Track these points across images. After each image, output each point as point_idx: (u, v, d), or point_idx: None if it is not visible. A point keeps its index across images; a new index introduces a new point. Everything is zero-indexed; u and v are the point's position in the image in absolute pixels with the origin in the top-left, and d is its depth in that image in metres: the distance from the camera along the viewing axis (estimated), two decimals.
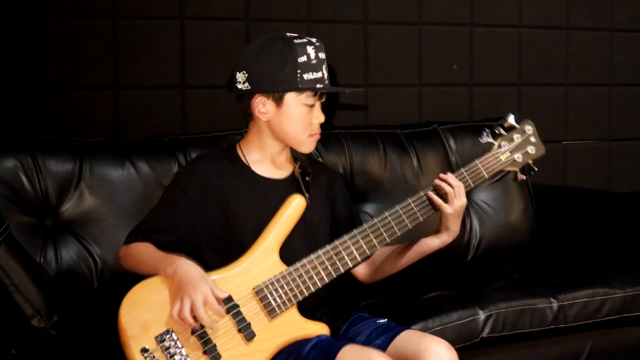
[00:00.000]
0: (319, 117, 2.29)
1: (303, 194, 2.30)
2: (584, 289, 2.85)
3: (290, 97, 2.24)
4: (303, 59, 2.22)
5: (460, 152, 3.37)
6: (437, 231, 2.34)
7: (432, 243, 2.35)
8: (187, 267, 2.13)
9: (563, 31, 3.99)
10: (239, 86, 2.27)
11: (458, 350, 2.24)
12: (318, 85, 2.24)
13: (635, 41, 4.15)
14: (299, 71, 2.22)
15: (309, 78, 2.23)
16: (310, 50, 2.23)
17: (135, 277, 2.21)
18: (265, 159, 2.33)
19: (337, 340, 2.23)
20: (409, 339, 2.23)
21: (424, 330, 2.53)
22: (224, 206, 2.28)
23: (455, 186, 2.28)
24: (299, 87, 2.23)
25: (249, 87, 2.25)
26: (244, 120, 2.38)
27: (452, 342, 2.27)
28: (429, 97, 3.74)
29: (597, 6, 4.05)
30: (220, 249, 2.28)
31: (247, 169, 2.32)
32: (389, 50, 3.66)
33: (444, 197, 2.28)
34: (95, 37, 3.20)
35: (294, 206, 2.27)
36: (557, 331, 2.80)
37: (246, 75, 2.25)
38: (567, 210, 3.45)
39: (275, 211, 2.27)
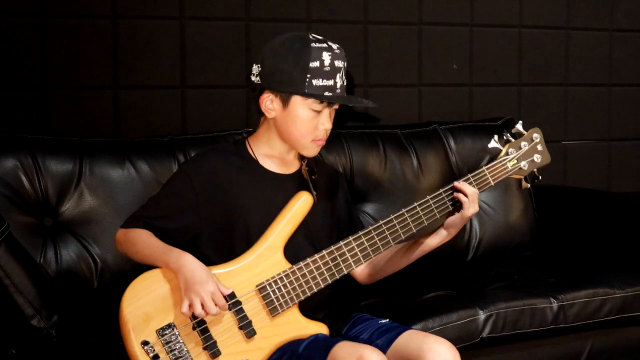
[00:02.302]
0: (325, 123, 2.26)
1: (310, 192, 2.30)
2: (584, 289, 2.85)
3: (296, 100, 2.23)
4: (315, 64, 2.20)
5: (460, 152, 3.38)
6: (438, 228, 2.35)
7: (431, 242, 2.36)
8: (193, 265, 2.13)
9: (563, 31, 3.99)
10: (252, 78, 2.28)
11: (458, 350, 2.24)
12: (326, 93, 2.22)
13: (635, 41, 4.15)
14: (308, 75, 2.20)
15: (318, 84, 2.21)
16: (325, 56, 2.21)
17: (135, 275, 2.21)
18: (273, 155, 2.33)
19: (332, 337, 2.23)
20: (411, 338, 2.23)
21: (424, 330, 2.53)
22: (230, 199, 2.27)
23: (470, 194, 2.29)
24: (305, 91, 2.21)
25: (259, 82, 2.26)
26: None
27: (452, 342, 2.27)
28: (429, 97, 3.74)
29: (597, 6, 4.05)
30: (222, 242, 2.27)
31: (254, 162, 2.32)
32: (389, 50, 3.66)
33: (458, 205, 2.30)
34: (95, 37, 3.20)
35: (301, 203, 2.27)
36: (557, 331, 2.81)
37: (259, 69, 2.25)
38: (567, 210, 3.45)
39: (281, 206, 2.27)
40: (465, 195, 2.29)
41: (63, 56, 3.16)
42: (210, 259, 2.25)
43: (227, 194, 2.27)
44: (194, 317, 2.14)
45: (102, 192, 2.81)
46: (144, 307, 2.14)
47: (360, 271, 2.44)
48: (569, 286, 2.86)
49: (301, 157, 2.37)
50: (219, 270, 2.20)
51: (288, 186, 2.31)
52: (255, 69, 2.27)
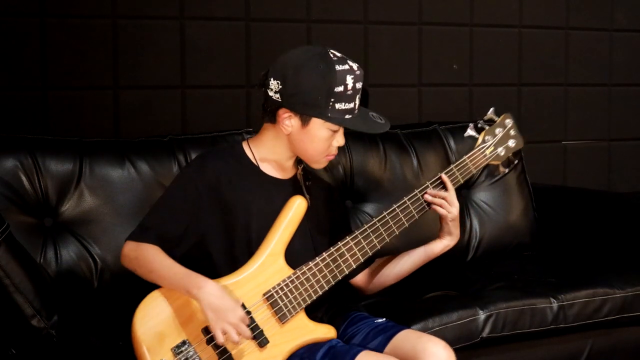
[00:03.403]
0: (339, 141, 2.27)
1: (304, 195, 2.30)
2: (584, 289, 2.85)
3: (317, 121, 2.22)
4: (340, 89, 2.19)
5: (460, 152, 3.37)
6: (438, 237, 2.38)
7: (434, 248, 2.39)
8: (218, 292, 2.10)
9: (563, 31, 4.00)
10: (270, 93, 2.23)
11: (458, 350, 2.25)
12: (347, 116, 2.22)
13: (635, 41, 4.15)
14: (332, 100, 2.19)
15: (340, 108, 2.20)
16: (349, 80, 2.20)
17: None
18: (273, 160, 2.32)
19: (350, 345, 2.23)
20: (407, 338, 2.23)
21: (423, 330, 2.53)
22: (232, 204, 2.26)
23: (448, 196, 2.33)
24: (329, 116, 2.20)
25: (280, 100, 2.22)
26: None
27: (452, 342, 2.27)
28: (429, 97, 3.74)
29: (597, 6, 4.05)
30: (226, 246, 2.26)
31: (255, 167, 2.31)
32: (389, 50, 3.67)
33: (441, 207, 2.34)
34: (95, 37, 3.20)
35: (296, 208, 2.27)
36: (557, 331, 2.80)
37: (280, 86, 2.21)
38: (567, 210, 3.45)
39: (279, 210, 2.27)
40: (445, 199, 2.32)
41: (63, 56, 3.16)
42: (213, 259, 2.26)
43: (229, 197, 2.27)
44: (206, 332, 2.14)
45: (102, 192, 2.81)
46: (157, 326, 2.13)
47: (363, 279, 2.45)
48: (569, 286, 2.86)
49: (298, 163, 2.37)
50: (225, 282, 2.19)
51: (286, 190, 2.31)
52: (275, 85, 2.22)
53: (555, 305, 2.79)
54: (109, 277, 2.75)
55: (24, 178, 2.73)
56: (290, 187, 2.33)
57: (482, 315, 2.67)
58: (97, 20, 3.20)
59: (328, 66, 2.19)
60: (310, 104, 2.20)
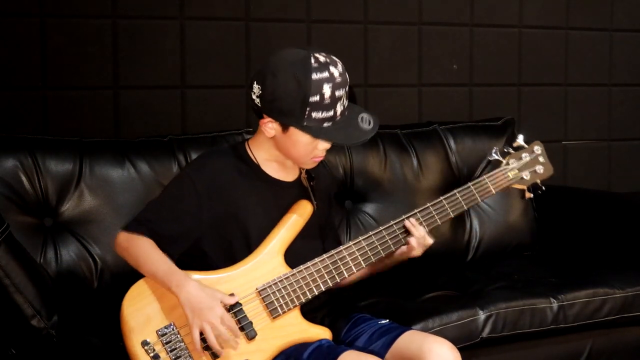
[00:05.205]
0: (324, 144, 2.24)
1: (311, 200, 2.31)
2: (584, 289, 2.85)
3: (295, 128, 2.19)
4: (315, 98, 2.14)
5: (460, 152, 3.37)
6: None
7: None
8: (195, 291, 2.11)
9: (563, 31, 4.00)
10: (253, 97, 2.22)
11: (458, 350, 2.24)
12: (325, 125, 2.18)
13: (635, 41, 4.15)
14: (308, 109, 2.14)
15: (317, 117, 2.16)
16: (326, 89, 2.14)
17: (135, 275, 2.21)
18: (274, 161, 2.31)
19: (337, 345, 2.23)
20: (412, 339, 2.23)
21: (424, 330, 2.53)
22: (232, 204, 2.26)
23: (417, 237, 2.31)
24: (304, 124, 2.16)
25: (259, 105, 2.21)
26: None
27: (452, 342, 2.27)
28: (429, 97, 3.74)
29: (597, 6, 4.05)
30: (224, 246, 2.26)
31: (257, 168, 2.30)
32: (389, 50, 3.66)
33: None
34: (95, 37, 3.20)
35: (302, 211, 2.28)
36: (557, 331, 2.81)
37: (260, 91, 2.19)
38: (567, 210, 3.45)
39: (282, 212, 2.28)
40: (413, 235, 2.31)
41: (63, 56, 3.16)
42: (212, 258, 2.25)
43: (229, 198, 2.26)
44: (202, 341, 2.13)
45: (102, 192, 2.81)
46: (145, 308, 2.15)
47: None
48: (569, 286, 2.86)
49: None
50: (220, 274, 2.20)
51: (289, 193, 2.31)
52: (256, 89, 2.20)
53: (555, 305, 2.79)
54: (109, 277, 2.75)
55: (24, 178, 2.74)
56: (294, 190, 2.33)
57: (482, 315, 2.67)
58: (97, 20, 3.20)
59: (304, 74, 2.13)
60: (285, 112, 2.16)
